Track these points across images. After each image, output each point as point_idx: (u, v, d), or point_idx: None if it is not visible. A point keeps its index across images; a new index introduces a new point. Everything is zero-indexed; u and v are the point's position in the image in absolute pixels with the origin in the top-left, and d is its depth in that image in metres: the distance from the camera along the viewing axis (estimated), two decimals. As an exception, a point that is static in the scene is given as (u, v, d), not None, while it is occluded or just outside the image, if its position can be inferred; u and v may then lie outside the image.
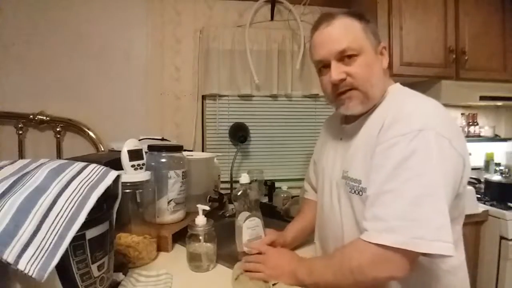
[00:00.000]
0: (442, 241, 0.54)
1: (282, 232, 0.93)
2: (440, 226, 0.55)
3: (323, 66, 0.74)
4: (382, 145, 0.63)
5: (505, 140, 2.17)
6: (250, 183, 0.88)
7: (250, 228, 0.84)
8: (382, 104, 0.72)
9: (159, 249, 0.93)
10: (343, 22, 0.70)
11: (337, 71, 0.70)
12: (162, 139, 1.51)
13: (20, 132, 1.60)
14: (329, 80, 0.71)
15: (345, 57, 0.69)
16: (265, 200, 1.63)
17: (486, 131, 2.12)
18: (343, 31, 0.69)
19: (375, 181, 0.62)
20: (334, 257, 0.67)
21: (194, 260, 0.83)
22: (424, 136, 0.58)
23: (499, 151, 2.14)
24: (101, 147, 1.66)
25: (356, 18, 0.71)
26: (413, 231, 0.55)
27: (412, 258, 0.57)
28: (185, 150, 1.14)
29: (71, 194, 0.54)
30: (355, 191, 0.69)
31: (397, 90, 0.74)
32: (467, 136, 2.06)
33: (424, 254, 0.56)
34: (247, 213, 0.84)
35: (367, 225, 0.60)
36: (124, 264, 0.77)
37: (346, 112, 0.75)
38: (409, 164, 0.58)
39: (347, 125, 0.79)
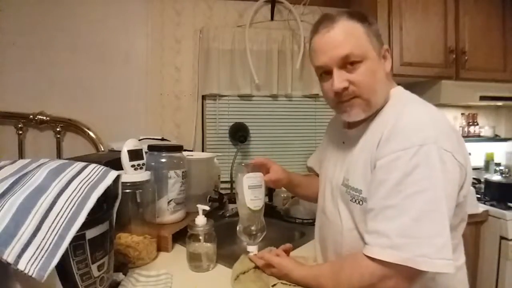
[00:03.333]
0: (445, 259, 0.54)
1: (286, 172, 0.95)
2: (442, 244, 0.55)
3: (324, 72, 0.71)
4: (383, 159, 0.61)
5: (505, 140, 2.17)
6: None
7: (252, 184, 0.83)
8: (384, 111, 0.70)
9: (159, 249, 0.93)
10: (345, 26, 0.66)
11: (339, 80, 0.66)
12: (162, 139, 1.51)
13: (20, 132, 1.60)
14: (331, 88, 0.69)
15: (347, 63, 0.66)
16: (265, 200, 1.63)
17: (486, 131, 2.12)
18: (345, 36, 0.66)
19: (376, 196, 0.61)
20: (339, 271, 0.65)
21: (194, 260, 0.83)
22: (426, 151, 0.57)
23: (499, 151, 2.14)
24: (101, 147, 1.65)
25: (358, 20, 0.67)
26: (416, 249, 0.54)
27: (413, 274, 0.57)
28: (185, 150, 1.14)
29: (71, 194, 0.54)
30: (355, 201, 0.68)
31: (398, 95, 0.72)
32: (467, 136, 2.06)
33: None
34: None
35: (369, 239, 0.60)
36: (124, 264, 0.77)
37: (348, 119, 0.74)
38: (411, 179, 0.57)
39: (349, 130, 0.78)
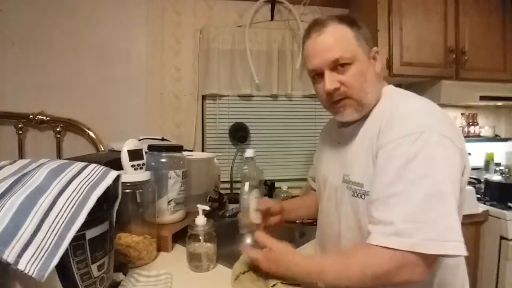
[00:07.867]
0: (454, 241, 0.53)
1: (278, 202, 0.98)
2: (449, 225, 0.54)
3: (316, 74, 0.74)
4: (384, 148, 0.62)
5: (505, 140, 2.17)
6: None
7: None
8: (378, 106, 0.72)
9: (159, 249, 0.93)
10: (334, 30, 0.70)
11: (330, 81, 0.70)
12: (162, 139, 1.51)
13: (20, 132, 1.60)
14: (323, 89, 0.72)
15: (338, 65, 0.69)
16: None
17: (486, 131, 2.12)
18: (335, 40, 0.69)
19: (379, 185, 0.60)
20: (346, 261, 0.61)
21: (194, 260, 0.83)
22: (427, 138, 0.58)
23: (499, 151, 2.14)
24: (101, 147, 1.65)
25: (347, 24, 0.70)
26: (422, 233, 0.53)
27: (427, 260, 0.55)
28: (185, 150, 1.14)
29: (71, 194, 0.54)
30: (357, 195, 0.69)
31: (390, 92, 0.74)
32: (467, 136, 2.06)
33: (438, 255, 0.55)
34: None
35: (373, 228, 0.58)
36: (124, 264, 0.77)
37: (342, 120, 0.75)
38: (413, 166, 0.57)
39: (344, 128, 0.79)
